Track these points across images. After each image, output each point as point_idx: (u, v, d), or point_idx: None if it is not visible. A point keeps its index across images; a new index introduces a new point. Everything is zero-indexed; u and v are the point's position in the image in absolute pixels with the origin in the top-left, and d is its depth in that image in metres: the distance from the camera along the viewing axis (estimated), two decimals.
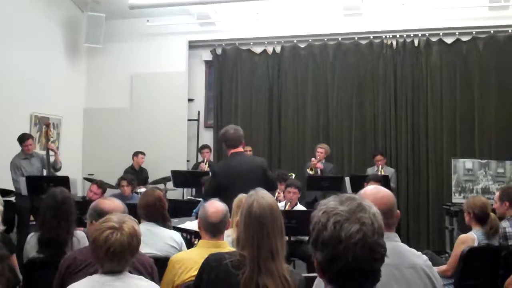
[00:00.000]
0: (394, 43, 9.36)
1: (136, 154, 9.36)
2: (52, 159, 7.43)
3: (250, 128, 9.50)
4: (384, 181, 6.85)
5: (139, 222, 2.96)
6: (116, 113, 10.16)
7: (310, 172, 8.14)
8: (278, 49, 9.89)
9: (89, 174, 9.37)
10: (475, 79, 8.95)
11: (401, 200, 8.74)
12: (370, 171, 8.30)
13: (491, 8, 8.79)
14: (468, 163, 8.18)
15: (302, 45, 9.78)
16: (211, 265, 2.50)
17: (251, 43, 10.00)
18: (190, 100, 10.22)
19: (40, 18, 9.10)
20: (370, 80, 9.40)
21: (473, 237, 4.50)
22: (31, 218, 6.74)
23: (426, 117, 9.12)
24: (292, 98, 9.76)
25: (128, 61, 10.17)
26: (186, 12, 9.81)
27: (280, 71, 9.88)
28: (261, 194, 2.57)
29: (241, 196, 3.17)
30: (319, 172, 8.21)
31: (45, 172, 7.40)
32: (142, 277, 2.56)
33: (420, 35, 9.23)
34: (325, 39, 9.64)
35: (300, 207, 6.39)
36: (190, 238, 4.82)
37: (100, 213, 3.19)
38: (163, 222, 4.03)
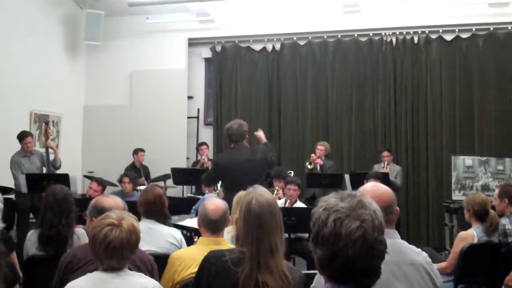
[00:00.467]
0: (394, 40, 9.36)
1: (136, 151, 9.35)
2: (51, 157, 7.43)
3: (249, 125, 9.34)
4: (384, 178, 6.85)
5: (139, 220, 2.96)
6: (115, 111, 10.15)
7: (309, 167, 8.14)
8: (277, 46, 9.89)
9: (89, 172, 9.37)
10: (475, 76, 8.96)
11: (401, 197, 8.73)
12: (377, 167, 8.28)
13: (491, 5, 8.79)
14: (468, 160, 8.18)
15: (301, 43, 9.77)
16: (211, 262, 2.50)
17: (251, 41, 9.99)
18: (189, 97, 10.22)
19: (39, 15, 9.08)
20: (369, 77, 9.40)
21: (473, 234, 4.51)
22: (31, 215, 6.74)
23: (425, 114, 9.13)
24: (292, 95, 9.76)
25: (127, 58, 10.16)
26: (186, 9, 9.80)
27: (279, 68, 9.88)
28: (260, 191, 2.58)
29: (241, 193, 3.17)
30: (318, 168, 8.20)
31: (44, 170, 7.39)
32: (142, 274, 2.56)
33: (419, 32, 9.23)
34: (325, 37, 9.63)
35: (300, 204, 6.39)
36: (190, 236, 4.82)
37: (101, 211, 3.19)
38: (163, 219, 4.03)
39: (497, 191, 4.92)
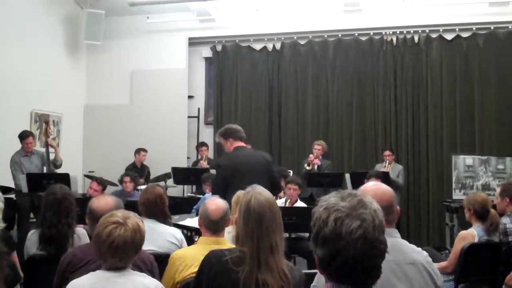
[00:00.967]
0: (394, 39, 9.36)
1: (138, 151, 9.37)
2: (52, 156, 7.43)
3: (250, 125, 9.51)
4: (384, 177, 6.85)
5: None
6: (116, 110, 10.15)
7: (308, 168, 8.14)
8: (278, 45, 9.89)
9: (89, 171, 9.36)
10: (475, 76, 8.95)
11: (401, 196, 8.72)
12: (379, 167, 8.28)
13: (491, 4, 8.78)
14: (469, 159, 8.18)
15: (302, 42, 9.77)
16: (211, 261, 2.51)
17: (251, 40, 9.99)
18: (190, 97, 10.22)
19: (40, 15, 9.08)
20: (370, 76, 9.40)
21: (473, 233, 4.50)
22: (31, 215, 6.74)
23: (426, 114, 9.13)
24: (292, 94, 9.76)
25: (128, 58, 10.17)
26: (186, 8, 9.80)
27: (280, 67, 9.88)
28: (259, 190, 2.58)
29: (239, 193, 3.17)
30: (315, 168, 8.21)
31: (45, 169, 7.39)
32: (145, 274, 2.56)
33: (420, 31, 9.23)
34: (325, 36, 9.63)
35: (300, 204, 6.39)
36: (191, 235, 4.83)
37: (89, 212, 3.23)
38: (163, 219, 4.03)
39: (498, 190, 4.91)
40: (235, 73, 10.06)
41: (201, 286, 2.51)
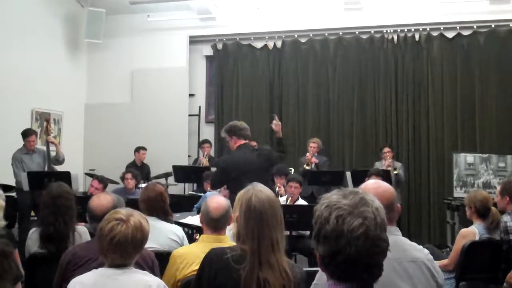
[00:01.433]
0: (395, 37, 9.35)
1: (137, 150, 9.38)
2: (53, 153, 7.44)
3: (251, 123, 9.36)
4: (385, 175, 6.85)
5: None
6: (117, 109, 10.15)
7: (307, 168, 8.13)
8: (279, 44, 9.88)
9: (90, 169, 9.38)
10: (476, 74, 8.94)
11: (402, 194, 8.72)
12: (378, 165, 8.27)
13: (492, 2, 8.77)
14: (469, 157, 8.18)
15: (303, 40, 9.77)
16: (212, 259, 2.51)
17: (252, 38, 9.99)
18: (191, 95, 10.22)
19: (40, 13, 9.08)
20: (371, 75, 9.40)
21: (474, 231, 4.51)
22: (32, 213, 6.74)
23: (427, 112, 9.12)
24: (293, 93, 9.75)
25: (128, 56, 10.16)
26: (187, 7, 9.80)
27: (281, 66, 9.88)
28: (259, 188, 2.58)
29: (240, 191, 3.18)
30: (313, 166, 8.21)
31: (46, 167, 7.39)
32: (147, 272, 2.57)
33: (421, 29, 9.22)
34: (326, 34, 9.62)
35: (301, 201, 6.39)
36: (192, 233, 4.83)
37: (89, 209, 3.26)
38: (164, 216, 4.03)
39: (499, 188, 4.91)
40: (236, 71, 10.06)
41: (202, 284, 2.51)
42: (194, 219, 4.93)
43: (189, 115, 10.12)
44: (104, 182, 6.56)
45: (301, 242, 5.84)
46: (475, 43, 8.98)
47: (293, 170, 8.12)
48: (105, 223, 2.41)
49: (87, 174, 9.30)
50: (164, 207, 4.06)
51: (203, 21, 9.99)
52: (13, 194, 7.22)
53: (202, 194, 6.87)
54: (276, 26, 9.72)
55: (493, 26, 8.88)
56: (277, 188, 6.69)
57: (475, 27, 8.96)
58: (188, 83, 10.13)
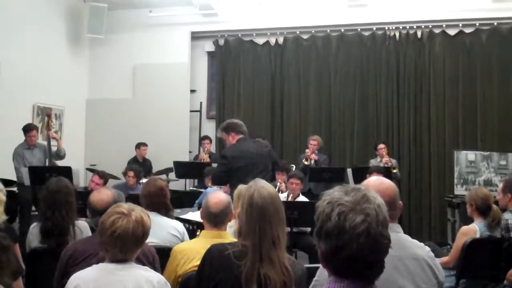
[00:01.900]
0: (397, 34, 9.34)
1: (138, 146, 9.39)
2: (54, 148, 7.44)
3: (252, 119, 9.50)
4: (386, 172, 6.84)
5: None
6: (118, 104, 10.15)
7: (306, 163, 8.13)
8: (280, 40, 9.87)
9: (91, 165, 9.39)
10: (478, 71, 8.93)
11: (403, 192, 8.74)
12: (373, 162, 8.27)
13: (495, 0, 8.75)
14: (471, 155, 8.17)
15: (305, 36, 9.76)
16: (213, 255, 2.51)
17: (254, 34, 9.97)
18: (192, 91, 10.22)
19: (42, 8, 9.07)
20: (372, 71, 9.39)
21: (475, 228, 4.50)
22: (33, 208, 6.75)
23: (428, 109, 9.11)
24: (295, 89, 9.74)
25: (130, 52, 10.16)
26: (189, 2, 9.78)
27: (282, 62, 9.87)
28: (261, 184, 2.58)
29: (241, 187, 3.17)
30: (312, 162, 8.20)
31: (47, 162, 7.40)
32: (148, 268, 2.58)
33: (423, 26, 9.21)
34: (328, 31, 9.61)
35: (302, 198, 6.39)
36: (193, 229, 4.83)
37: (89, 204, 3.28)
38: (165, 211, 4.03)
39: (501, 185, 4.90)
40: (238, 67, 10.05)
41: (203, 280, 2.51)
42: (195, 215, 4.93)
43: (191, 111, 10.12)
44: (105, 177, 6.56)
45: (302, 238, 5.84)
46: (477, 40, 8.97)
47: (294, 166, 8.12)
48: (107, 217, 2.42)
49: (88, 169, 9.31)
50: (165, 202, 4.06)
51: (205, 16, 9.97)
52: (14, 188, 7.22)
53: (203, 190, 6.87)
54: (278, 22, 9.71)
55: (495, 23, 8.87)
56: (278, 184, 6.69)
57: (477, 24, 8.95)
58: (189, 79, 10.13)
